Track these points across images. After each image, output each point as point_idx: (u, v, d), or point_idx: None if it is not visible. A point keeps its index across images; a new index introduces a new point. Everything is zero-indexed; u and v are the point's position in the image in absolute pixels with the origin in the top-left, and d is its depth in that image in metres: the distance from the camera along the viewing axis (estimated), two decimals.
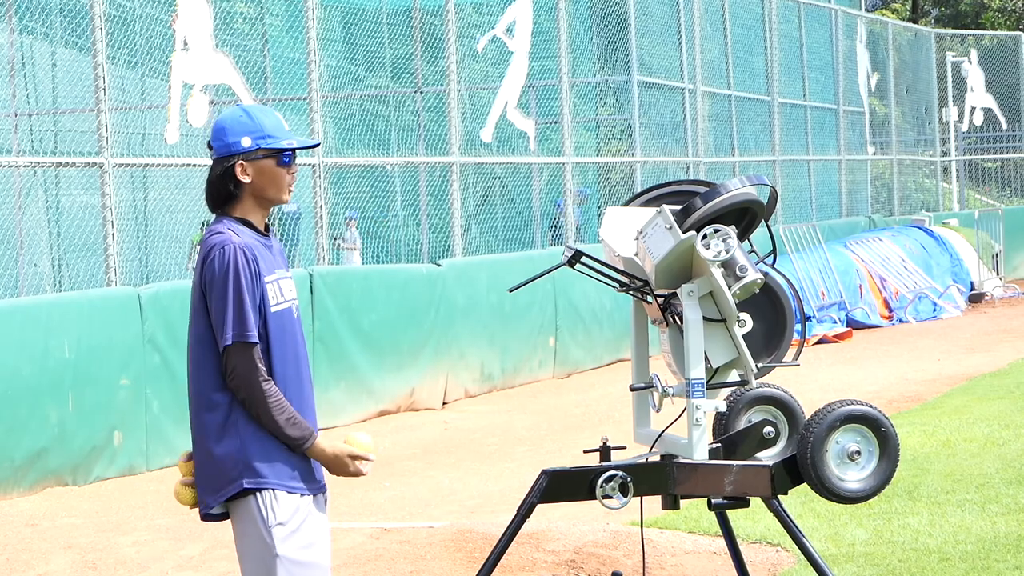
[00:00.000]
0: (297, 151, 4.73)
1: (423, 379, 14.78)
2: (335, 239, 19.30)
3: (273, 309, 4.64)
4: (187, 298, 13.08)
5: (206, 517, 4.72)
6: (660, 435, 5.73)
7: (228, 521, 4.73)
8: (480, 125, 17.66)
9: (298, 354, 4.71)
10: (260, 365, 4.56)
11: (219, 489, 4.61)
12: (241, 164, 4.66)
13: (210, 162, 4.77)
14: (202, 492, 4.66)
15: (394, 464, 12.02)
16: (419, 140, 19.79)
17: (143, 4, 16.68)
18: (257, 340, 4.58)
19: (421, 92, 19.83)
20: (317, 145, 4.89)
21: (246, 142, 4.66)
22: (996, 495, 9.19)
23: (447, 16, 16.31)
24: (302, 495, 4.64)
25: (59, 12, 18.24)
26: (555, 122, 18.49)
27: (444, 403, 15.01)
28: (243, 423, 4.59)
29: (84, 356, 11.30)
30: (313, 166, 14.42)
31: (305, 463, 4.68)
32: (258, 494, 4.59)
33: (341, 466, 4.69)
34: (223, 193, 4.68)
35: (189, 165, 14.19)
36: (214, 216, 4.74)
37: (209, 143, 4.74)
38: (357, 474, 4.72)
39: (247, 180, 4.67)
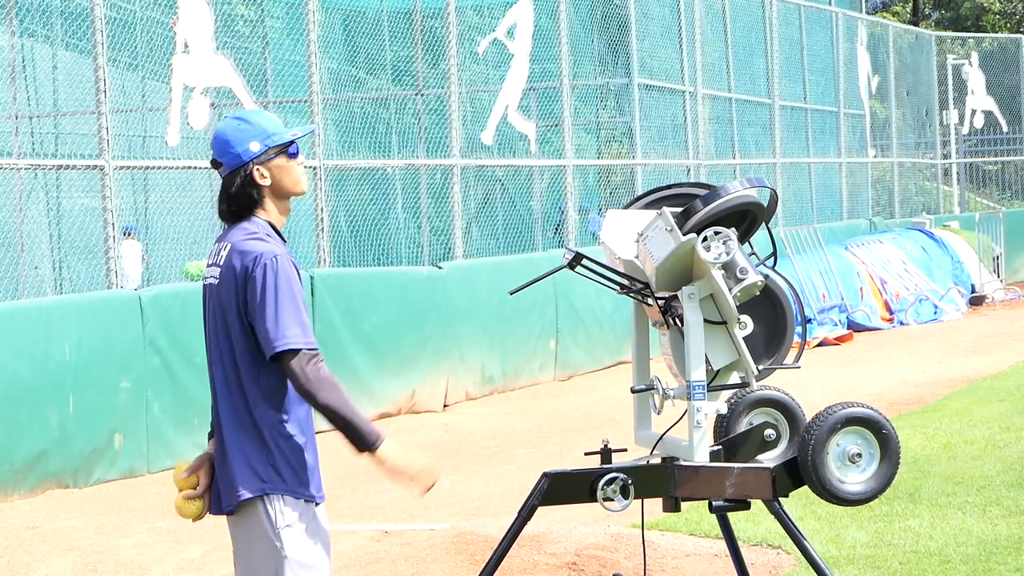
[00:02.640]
0: (299, 141, 4.81)
1: (424, 381, 14.78)
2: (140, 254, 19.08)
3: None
4: (187, 300, 13.05)
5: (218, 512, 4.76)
6: (661, 437, 5.72)
7: (219, 520, 4.74)
8: (481, 128, 17.67)
9: None
10: (326, 367, 4.60)
11: (236, 494, 4.63)
12: (257, 168, 4.72)
13: (210, 163, 4.80)
14: (222, 493, 4.68)
15: None
16: (420, 143, 19.79)
17: (144, 7, 16.70)
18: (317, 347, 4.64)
19: (422, 95, 19.84)
20: (313, 130, 4.98)
21: (255, 147, 4.72)
22: (997, 497, 9.19)
23: (448, 18, 16.32)
24: (307, 501, 4.67)
25: (60, 15, 18.25)
26: (556, 125, 18.49)
27: (445, 405, 15.01)
28: (269, 430, 4.63)
29: (85, 358, 11.30)
30: (314, 168, 14.42)
31: (315, 474, 4.70)
32: (267, 498, 4.62)
33: (407, 474, 4.63)
34: (246, 202, 4.73)
35: (190, 168, 14.20)
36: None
37: (214, 160, 4.77)
38: (419, 485, 4.65)
39: (266, 183, 4.73)
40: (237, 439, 4.64)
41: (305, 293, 14.28)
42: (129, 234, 19.38)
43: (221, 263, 4.68)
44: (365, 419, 4.61)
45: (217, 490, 4.72)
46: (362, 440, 4.58)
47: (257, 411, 4.63)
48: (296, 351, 4.54)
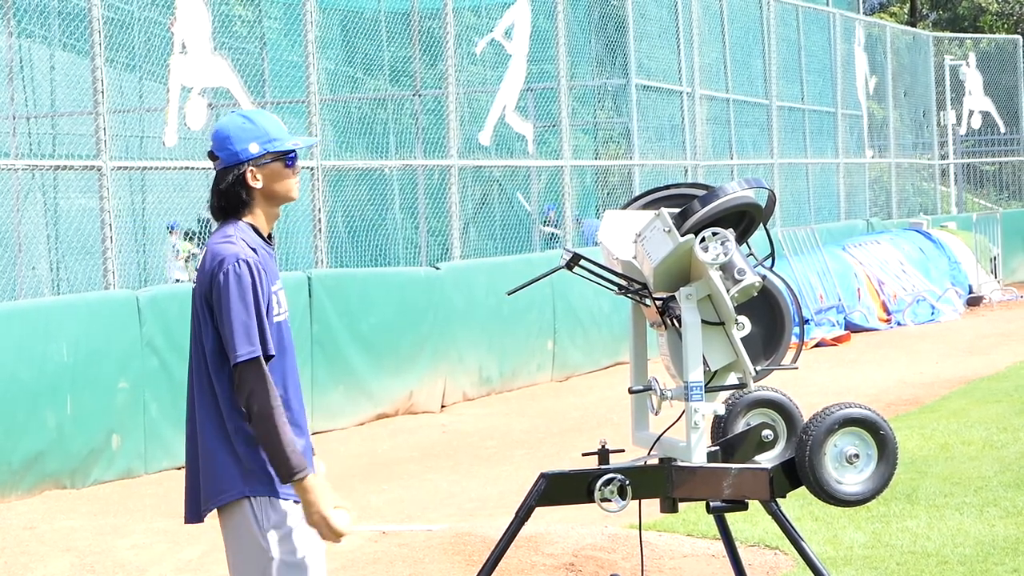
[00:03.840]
0: (298, 151, 4.79)
1: (421, 382, 14.78)
2: (177, 250, 18.98)
3: (276, 320, 4.67)
4: (185, 301, 13.03)
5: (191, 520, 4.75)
6: (659, 438, 5.72)
7: (217, 522, 4.74)
8: (478, 128, 17.67)
9: (295, 365, 4.77)
10: (271, 381, 4.56)
11: (216, 496, 4.62)
12: (251, 170, 4.70)
13: (209, 165, 4.78)
14: (201, 497, 4.67)
15: (392, 467, 12.02)
16: (417, 143, 19.78)
17: (141, 7, 16.68)
18: (273, 353, 4.59)
19: (419, 95, 19.82)
20: (314, 143, 4.96)
21: (254, 148, 4.69)
22: (994, 498, 9.20)
23: (445, 19, 16.32)
24: (296, 503, 4.65)
25: (57, 15, 18.22)
26: (553, 125, 18.49)
27: (442, 406, 15.00)
28: (246, 432, 4.60)
29: (82, 359, 11.29)
30: (311, 169, 14.42)
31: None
32: (253, 500, 4.61)
33: (317, 518, 4.57)
34: (234, 202, 4.71)
35: (187, 168, 14.19)
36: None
37: (211, 153, 4.75)
38: (321, 534, 4.61)
39: (258, 185, 4.71)
40: (212, 443, 4.62)
41: (302, 294, 14.24)
42: (172, 230, 19.38)
43: (199, 267, 4.70)
44: (292, 449, 4.53)
45: (194, 497, 4.71)
46: (284, 470, 4.54)
47: (231, 413, 4.60)
48: (242, 362, 4.53)
